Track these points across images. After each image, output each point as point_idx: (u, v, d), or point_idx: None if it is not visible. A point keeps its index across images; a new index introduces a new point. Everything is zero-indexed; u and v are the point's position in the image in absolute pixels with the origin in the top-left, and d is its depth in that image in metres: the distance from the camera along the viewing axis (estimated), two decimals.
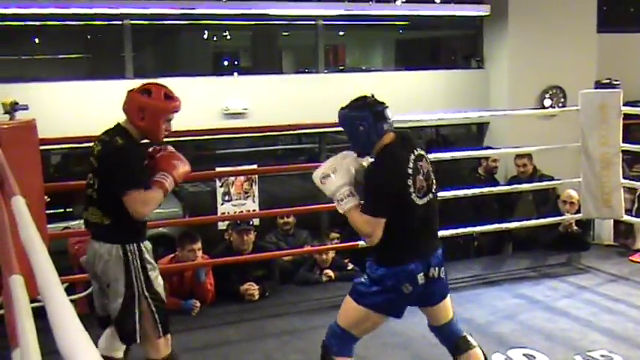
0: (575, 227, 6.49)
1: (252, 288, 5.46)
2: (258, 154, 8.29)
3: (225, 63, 11.40)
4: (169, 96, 3.40)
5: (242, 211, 7.35)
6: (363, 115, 3.27)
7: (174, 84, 3.58)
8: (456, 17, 8.93)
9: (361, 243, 5.77)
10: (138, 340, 3.33)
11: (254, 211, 7.36)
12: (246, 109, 7.62)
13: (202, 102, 7.39)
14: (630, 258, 6.26)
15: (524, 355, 4.36)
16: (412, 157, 3.25)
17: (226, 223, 6.53)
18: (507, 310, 5.16)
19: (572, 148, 6.50)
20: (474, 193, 6.09)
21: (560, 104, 8.40)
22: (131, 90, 3.40)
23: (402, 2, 9.08)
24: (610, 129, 6.24)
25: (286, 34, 10.53)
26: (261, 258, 5.58)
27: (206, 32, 10.28)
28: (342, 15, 8.53)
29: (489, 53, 8.86)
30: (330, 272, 5.84)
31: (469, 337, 3.52)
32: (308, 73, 8.87)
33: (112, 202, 3.27)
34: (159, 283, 3.39)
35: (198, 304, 5.17)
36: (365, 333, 3.51)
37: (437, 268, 3.34)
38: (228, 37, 10.99)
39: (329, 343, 3.48)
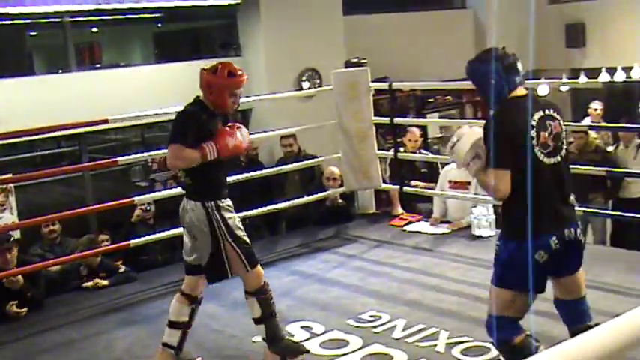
0: (341, 200, 6.83)
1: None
2: (14, 163, 7.79)
3: None
4: (232, 73, 3.90)
5: None
6: (494, 67, 3.20)
7: None
8: (209, 7, 8.95)
9: (132, 242, 5.67)
10: (229, 276, 3.95)
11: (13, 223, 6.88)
12: None
13: None
14: (391, 223, 6.70)
15: (301, 327, 4.54)
16: (540, 113, 3.19)
17: None
18: (284, 288, 5.31)
19: (331, 126, 6.79)
20: (238, 179, 6.16)
21: (317, 85, 8.75)
22: (202, 69, 3.94)
23: None
24: (362, 105, 6.62)
25: (34, 34, 9.95)
26: (25, 272, 5.23)
27: None
28: (92, 10, 8.20)
29: (245, 41, 8.99)
30: (99, 281, 5.66)
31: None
32: (61, 72, 8.44)
33: None
34: (239, 228, 3.94)
35: None
36: (522, 313, 3.24)
37: (572, 229, 3.19)
38: None
39: (498, 338, 3.26)
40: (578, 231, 3.23)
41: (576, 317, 3.28)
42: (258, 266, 4.05)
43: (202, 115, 3.88)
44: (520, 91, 3.26)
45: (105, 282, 5.65)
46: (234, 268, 3.94)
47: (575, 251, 3.24)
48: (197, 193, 3.92)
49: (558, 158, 3.20)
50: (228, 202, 3.99)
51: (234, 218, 3.97)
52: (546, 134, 3.16)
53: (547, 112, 3.23)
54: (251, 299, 4.05)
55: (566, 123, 3.46)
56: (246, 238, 3.98)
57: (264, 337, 4.06)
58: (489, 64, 3.21)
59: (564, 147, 3.26)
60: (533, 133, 3.13)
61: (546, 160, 3.16)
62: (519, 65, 3.27)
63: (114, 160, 5.89)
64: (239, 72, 3.95)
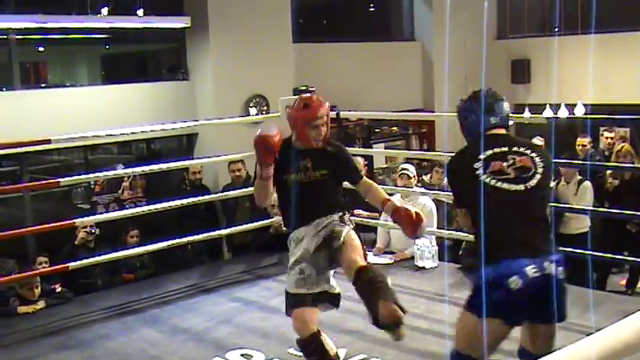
0: (284, 228, 6.77)
1: None
2: None
3: None
4: (308, 105, 3.79)
5: None
6: (472, 106, 3.32)
7: None
8: (158, 29, 8.89)
9: (71, 265, 5.53)
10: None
11: None
12: None
13: None
14: None
15: (241, 355, 4.47)
16: (499, 149, 3.17)
17: None
18: (224, 315, 5.24)
19: None
20: (182, 204, 6.09)
21: (264, 111, 8.74)
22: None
23: (104, 15, 8.84)
24: None
25: None
26: None
27: None
28: (39, 28, 8.07)
29: (193, 65, 8.96)
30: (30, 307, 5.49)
31: None
32: (4, 90, 8.25)
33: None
34: (291, 271, 3.84)
35: None
36: (489, 349, 2.99)
37: (553, 264, 2.97)
38: None
39: None
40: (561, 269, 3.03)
41: None
42: (298, 310, 3.87)
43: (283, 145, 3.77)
44: (496, 131, 3.30)
45: (29, 309, 5.47)
46: None
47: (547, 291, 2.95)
48: None
49: (522, 187, 3.10)
50: (295, 234, 3.93)
51: (295, 254, 3.88)
52: (504, 164, 3.12)
53: (514, 148, 3.19)
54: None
55: None
56: (294, 282, 3.84)
57: None
58: (470, 103, 3.35)
59: (535, 180, 3.13)
60: (478, 164, 3.12)
61: (505, 186, 3.09)
62: (497, 106, 3.32)
63: (56, 180, 5.76)
64: (315, 103, 3.80)
